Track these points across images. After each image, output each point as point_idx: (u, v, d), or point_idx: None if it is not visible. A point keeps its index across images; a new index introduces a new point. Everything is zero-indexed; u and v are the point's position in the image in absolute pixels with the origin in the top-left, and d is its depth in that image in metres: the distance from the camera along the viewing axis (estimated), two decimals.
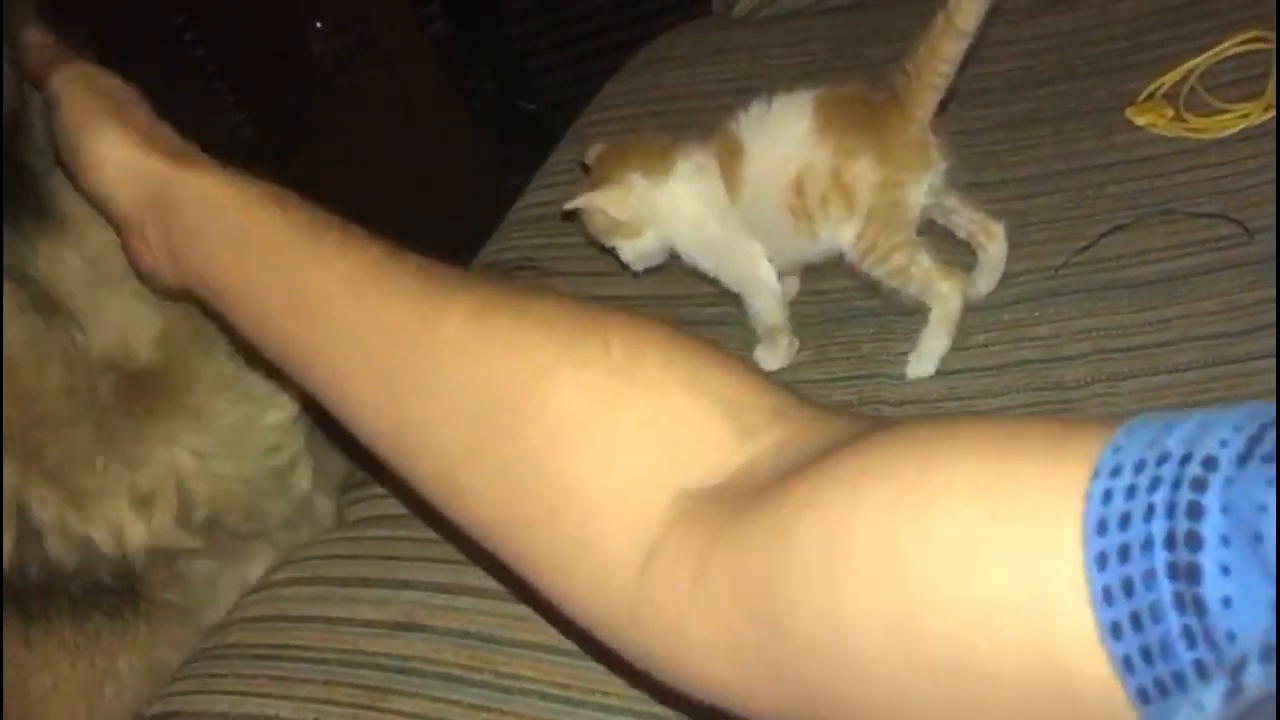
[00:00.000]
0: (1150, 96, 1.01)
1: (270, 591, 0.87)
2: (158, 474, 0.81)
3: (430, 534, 0.87)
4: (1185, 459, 0.33)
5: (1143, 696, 0.33)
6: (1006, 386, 0.84)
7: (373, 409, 0.57)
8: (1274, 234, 0.85)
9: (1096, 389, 0.81)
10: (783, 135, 0.87)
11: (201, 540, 0.84)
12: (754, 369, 0.54)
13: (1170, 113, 0.99)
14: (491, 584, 0.81)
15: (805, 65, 1.24)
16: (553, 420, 0.51)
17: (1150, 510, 0.33)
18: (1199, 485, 0.32)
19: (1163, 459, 0.33)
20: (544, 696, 0.74)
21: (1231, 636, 0.31)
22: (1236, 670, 0.28)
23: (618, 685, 0.73)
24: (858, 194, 0.85)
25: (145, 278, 0.70)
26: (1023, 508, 0.36)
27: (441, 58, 2.08)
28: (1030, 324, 0.87)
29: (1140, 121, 0.99)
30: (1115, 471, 0.34)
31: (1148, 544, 0.32)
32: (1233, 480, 0.32)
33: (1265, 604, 0.30)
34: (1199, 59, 1.02)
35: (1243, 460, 0.32)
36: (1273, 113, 0.95)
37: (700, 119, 1.18)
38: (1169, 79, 1.01)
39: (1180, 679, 0.32)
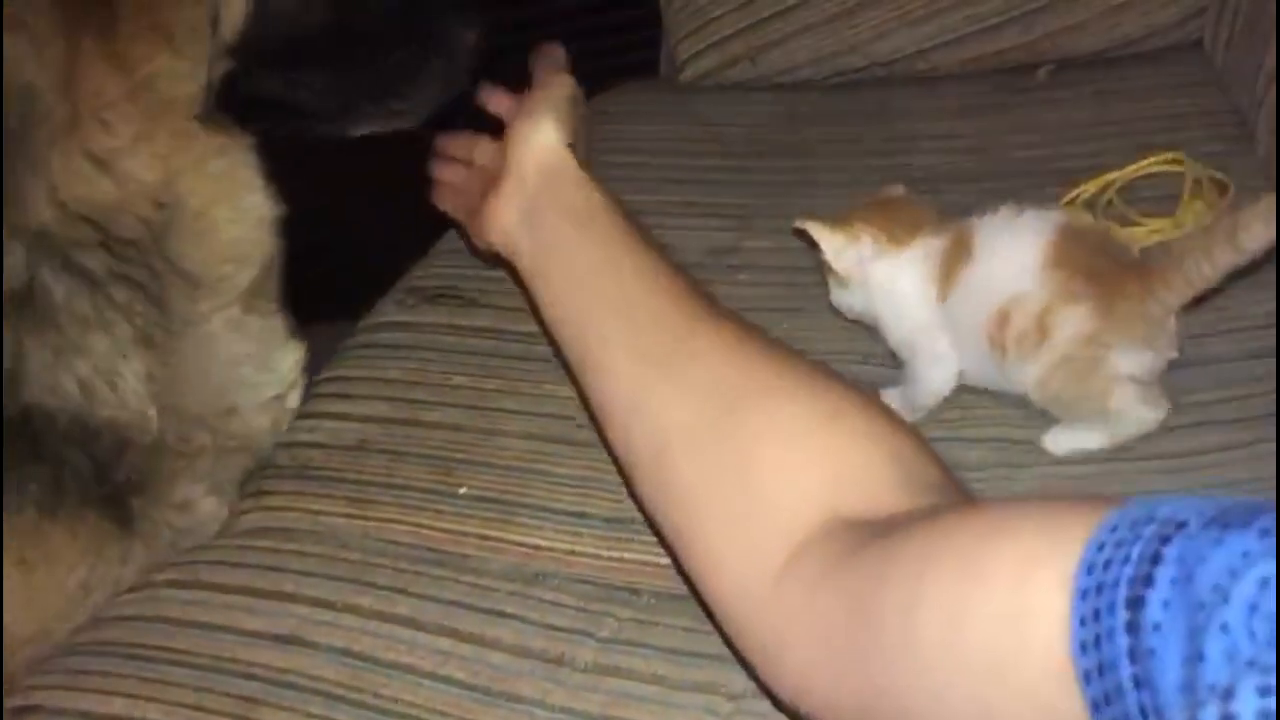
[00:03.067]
0: (1071, 202, 1.05)
1: (149, 591, 0.85)
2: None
3: (320, 549, 0.86)
4: (1165, 522, 0.41)
5: (1095, 706, 0.42)
6: None
7: (623, 377, 0.69)
8: None
9: (999, 472, 0.83)
10: (1010, 260, 0.82)
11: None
12: (931, 447, 0.64)
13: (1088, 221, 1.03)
14: (379, 605, 0.80)
15: (743, 134, 1.27)
16: (763, 428, 0.63)
17: (1126, 558, 0.42)
18: (1165, 540, 0.41)
19: (1148, 522, 0.42)
20: None
21: (1152, 652, 0.39)
22: None
23: (494, 717, 0.73)
24: (1055, 336, 0.80)
25: (476, 232, 0.85)
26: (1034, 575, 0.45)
27: None
28: (940, 408, 0.89)
29: None
30: (1113, 529, 0.43)
31: (1115, 582, 0.41)
32: (1193, 537, 0.40)
33: (1182, 641, 0.38)
34: (1119, 173, 1.06)
35: (1208, 524, 0.40)
36: (1182, 231, 1.00)
37: (630, 173, 1.22)
38: (1090, 188, 1.06)
39: (1120, 691, 0.40)
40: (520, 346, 1.00)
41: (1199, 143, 1.09)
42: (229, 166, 0.90)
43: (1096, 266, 0.80)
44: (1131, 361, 0.80)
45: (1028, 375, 0.82)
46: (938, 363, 0.87)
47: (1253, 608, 0.36)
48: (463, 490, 0.89)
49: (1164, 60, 1.27)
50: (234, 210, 0.91)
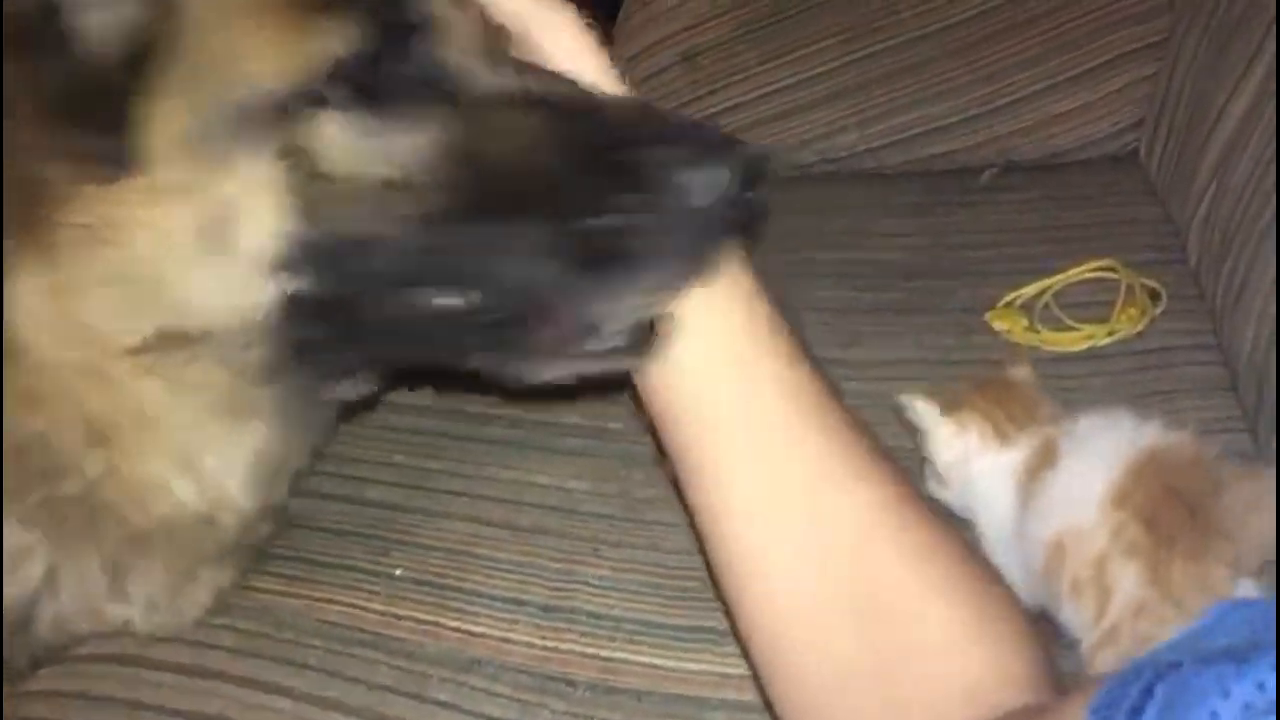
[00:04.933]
0: (1009, 304, 1.08)
1: (72, 666, 0.83)
2: None
3: (252, 626, 0.85)
4: (1161, 664, 0.46)
5: None
6: None
7: (748, 520, 0.62)
8: None
9: None
10: (1078, 482, 0.70)
11: None
12: (1047, 653, 0.62)
13: (1025, 323, 1.05)
14: (310, 687, 0.79)
15: None
16: (912, 642, 0.59)
17: (1126, 696, 0.46)
18: (1160, 677, 0.46)
19: (1150, 665, 0.46)
20: None
21: None
22: None
23: None
24: (1113, 602, 0.66)
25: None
26: None
27: None
28: None
29: (997, 326, 1.05)
30: (1122, 677, 0.47)
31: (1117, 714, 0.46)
32: (1182, 673, 0.45)
33: None
34: (1055, 278, 1.09)
35: (1196, 662, 0.44)
36: (1115, 337, 1.02)
37: None
38: (1027, 291, 1.08)
39: None
40: (465, 427, 1.01)
41: (1134, 250, 1.12)
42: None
43: (1162, 510, 0.65)
44: None
45: (1082, 632, 0.69)
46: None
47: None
48: (399, 571, 0.88)
49: (1103, 169, 1.32)
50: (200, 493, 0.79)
